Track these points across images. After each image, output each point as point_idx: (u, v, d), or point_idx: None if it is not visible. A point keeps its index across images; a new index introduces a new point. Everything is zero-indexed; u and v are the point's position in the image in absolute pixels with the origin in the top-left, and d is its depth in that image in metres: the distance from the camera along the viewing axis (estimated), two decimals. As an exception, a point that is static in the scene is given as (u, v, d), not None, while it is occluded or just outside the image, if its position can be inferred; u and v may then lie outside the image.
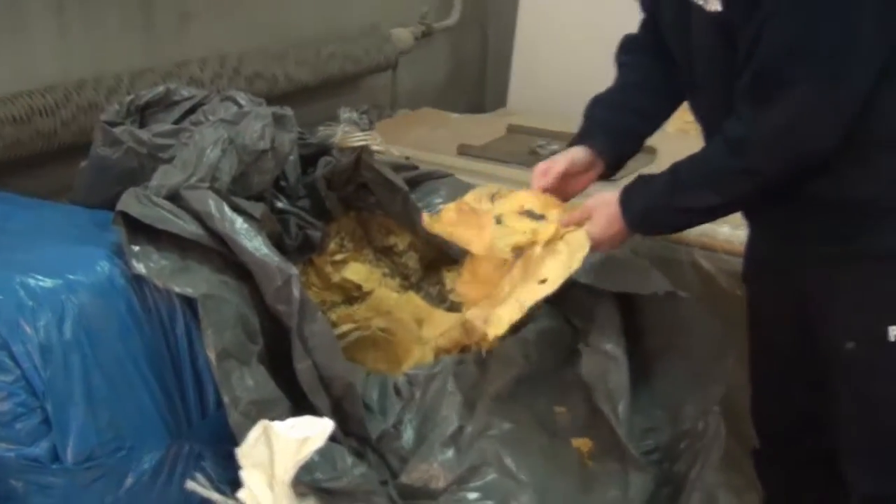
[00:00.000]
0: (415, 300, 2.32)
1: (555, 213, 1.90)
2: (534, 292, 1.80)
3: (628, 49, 2.03)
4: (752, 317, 2.08)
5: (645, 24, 2.02)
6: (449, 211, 1.99)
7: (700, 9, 1.68)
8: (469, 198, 2.00)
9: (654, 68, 1.97)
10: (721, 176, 1.71)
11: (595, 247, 1.83)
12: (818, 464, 2.04)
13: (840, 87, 1.58)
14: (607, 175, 2.00)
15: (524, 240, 1.88)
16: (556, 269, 1.82)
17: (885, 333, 1.74)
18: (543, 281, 1.81)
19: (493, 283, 1.90)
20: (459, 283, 1.98)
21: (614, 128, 1.98)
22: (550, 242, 1.86)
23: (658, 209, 1.80)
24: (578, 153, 1.95)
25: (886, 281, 1.74)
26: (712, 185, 1.73)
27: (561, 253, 1.84)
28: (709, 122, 1.85)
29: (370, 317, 2.25)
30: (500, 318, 1.78)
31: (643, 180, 1.82)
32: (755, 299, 2.06)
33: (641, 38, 2.02)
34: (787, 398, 2.04)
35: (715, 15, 1.66)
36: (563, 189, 1.97)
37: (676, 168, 1.78)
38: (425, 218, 1.96)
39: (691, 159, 1.78)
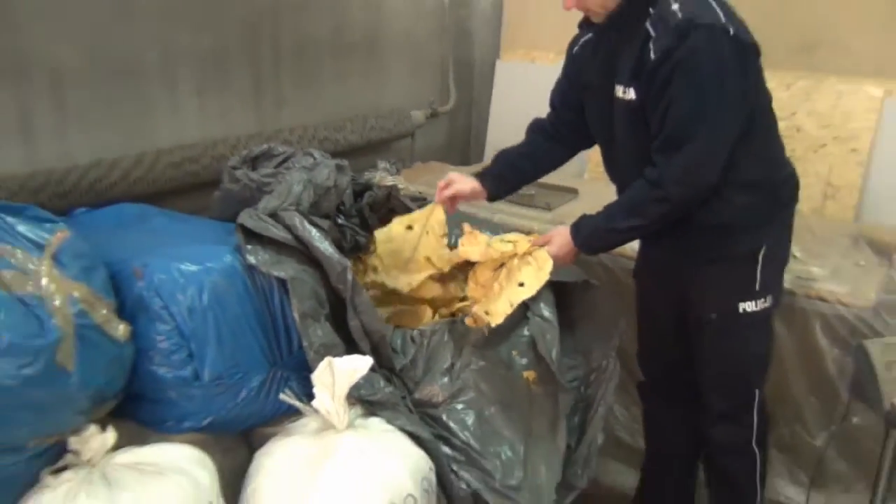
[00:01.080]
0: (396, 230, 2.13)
1: (523, 239, 1.90)
2: (517, 294, 1.80)
3: (534, 129, 2.03)
4: (640, 301, 2.07)
5: (550, 116, 2.01)
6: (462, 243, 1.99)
7: (621, 100, 1.68)
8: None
9: (544, 148, 2.00)
10: (644, 204, 1.69)
11: (554, 262, 1.82)
12: (680, 392, 2.06)
13: (718, 139, 1.61)
14: (489, 199, 2.01)
15: (509, 248, 1.88)
16: (529, 277, 1.81)
17: (736, 307, 1.76)
18: (521, 284, 1.80)
19: (489, 286, 1.90)
20: (469, 290, 1.96)
21: (504, 178, 1.98)
22: (524, 255, 1.85)
23: (598, 232, 1.77)
24: (476, 186, 1.96)
25: (736, 273, 1.76)
26: (638, 212, 1.71)
27: (530, 264, 1.82)
28: (622, 181, 1.82)
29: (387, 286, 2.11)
30: (496, 311, 1.78)
31: (586, 217, 1.81)
32: (643, 289, 2.05)
33: (545, 125, 2.01)
34: (662, 352, 2.05)
35: (631, 102, 1.66)
36: (451, 201, 1.98)
37: (609, 206, 1.76)
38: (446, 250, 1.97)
39: (619, 200, 1.77)
